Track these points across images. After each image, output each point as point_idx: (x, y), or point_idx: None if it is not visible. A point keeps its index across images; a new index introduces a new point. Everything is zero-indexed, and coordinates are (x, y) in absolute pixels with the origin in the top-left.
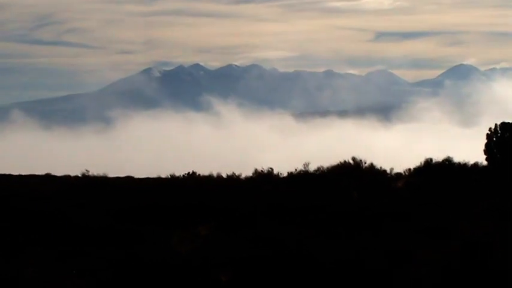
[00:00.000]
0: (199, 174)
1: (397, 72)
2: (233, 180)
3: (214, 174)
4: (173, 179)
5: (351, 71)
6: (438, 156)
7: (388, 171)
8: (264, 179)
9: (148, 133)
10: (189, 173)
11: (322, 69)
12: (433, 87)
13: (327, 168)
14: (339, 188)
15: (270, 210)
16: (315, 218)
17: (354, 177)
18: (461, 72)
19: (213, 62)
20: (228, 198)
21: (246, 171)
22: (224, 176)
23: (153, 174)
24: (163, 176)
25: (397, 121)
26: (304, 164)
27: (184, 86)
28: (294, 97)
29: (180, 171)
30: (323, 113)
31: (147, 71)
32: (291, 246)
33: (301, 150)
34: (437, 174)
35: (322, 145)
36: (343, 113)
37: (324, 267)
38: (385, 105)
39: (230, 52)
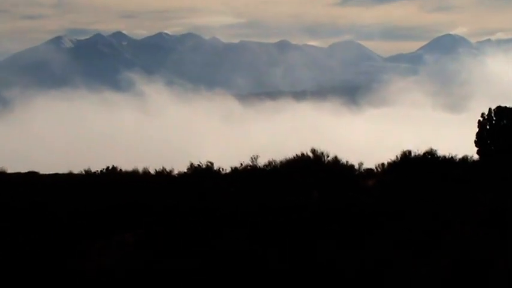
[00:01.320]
0: (121, 170)
1: (368, 44)
2: (163, 177)
3: (140, 169)
4: (88, 175)
5: (311, 42)
6: (418, 149)
7: (356, 166)
8: (202, 176)
9: (56, 118)
10: (108, 168)
11: (275, 40)
12: (412, 63)
13: (280, 162)
14: (294, 187)
15: (208, 213)
16: (265, 224)
17: (313, 174)
18: (447, 45)
19: (139, 30)
20: (158, 199)
21: (179, 166)
22: (152, 171)
23: (62, 169)
24: (75, 171)
25: (367, 105)
26: (251, 158)
27: (102, 59)
28: (239, 74)
29: (96, 166)
30: (275, 94)
31: (55, 41)
32: (237, 256)
33: (247, 140)
34: (416, 170)
35: (274, 134)
36: (300, 95)
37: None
38: (352, 85)
39: (161, 18)
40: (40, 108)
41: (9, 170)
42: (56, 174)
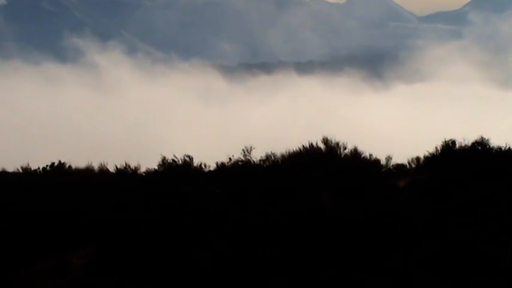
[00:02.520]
0: (70, 167)
1: None
2: (126, 176)
3: (95, 166)
4: (26, 174)
5: None
6: (465, 138)
7: (383, 161)
8: (178, 175)
9: None
10: (52, 164)
11: None
12: (456, 23)
13: (282, 156)
14: (300, 189)
15: (186, 224)
16: (259, 238)
17: (325, 171)
18: (501, 1)
19: None
20: (118, 206)
21: (147, 162)
22: (111, 169)
23: None
24: (9, 169)
25: (396, 80)
26: (243, 150)
27: (44, 20)
28: (224, 39)
29: (37, 161)
30: (272, 66)
31: None
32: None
33: (236, 127)
34: (463, 167)
35: (272, 119)
36: (305, 67)
37: None
38: (376, 53)
39: None
40: None
41: None
42: None
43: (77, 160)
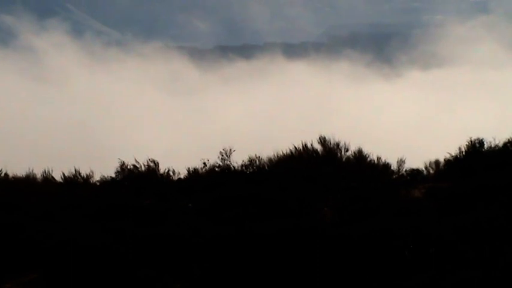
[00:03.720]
0: (6, 175)
1: None
2: (76, 185)
3: (37, 173)
4: None
5: None
6: (495, 136)
7: (394, 165)
8: (139, 183)
9: None
10: None
11: None
12: None
13: (269, 160)
14: (292, 200)
15: (153, 244)
16: (246, 258)
17: (323, 179)
18: None
19: None
20: (64, 224)
21: (102, 168)
22: (57, 177)
23: None
24: None
25: (409, 64)
26: (221, 153)
27: None
28: (195, 15)
29: None
30: (255, 48)
31: None
32: None
33: (211, 124)
34: (493, 172)
35: (255, 114)
36: (296, 49)
37: None
38: (384, 31)
39: None
40: None
41: None
42: None
43: (13, 166)
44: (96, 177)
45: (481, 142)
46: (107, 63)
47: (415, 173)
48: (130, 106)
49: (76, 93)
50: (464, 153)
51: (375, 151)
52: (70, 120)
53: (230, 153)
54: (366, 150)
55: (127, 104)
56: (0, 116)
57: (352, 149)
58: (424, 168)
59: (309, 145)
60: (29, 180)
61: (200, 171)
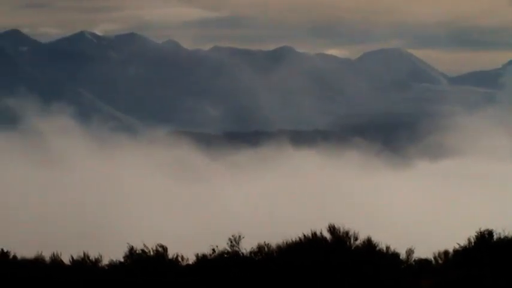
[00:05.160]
0: (14, 257)
1: (424, 55)
2: (85, 269)
3: (46, 257)
4: None
5: (330, 51)
6: (504, 228)
7: (403, 255)
8: (149, 269)
9: None
10: None
11: (270, 46)
12: (491, 85)
13: (278, 247)
14: (301, 287)
15: None
16: None
17: (332, 267)
18: None
19: (49, 28)
20: None
21: (111, 252)
22: (66, 261)
23: None
24: None
25: (419, 155)
26: (230, 240)
27: None
28: (208, 102)
29: None
30: (264, 135)
31: None
32: None
33: (219, 211)
34: (502, 263)
35: (264, 202)
36: (304, 137)
37: None
38: (394, 121)
39: (86, 9)
40: None
41: None
42: None
43: (22, 249)
44: (105, 261)
45: (490, 233)
46: (114, 149)
47: (423, 263)
48: (137, 192)
49: (80, 179)
50: (473, 244)
51: (384, 240)
52: (74, 206)
53: (239, 240)
54: (375, 239)
55: (133, 190)
56: (3, 198)
57: (362, 237)
58: (433, 259)
59: (318, 233)
60: (37, 263)
61: (209, 257)
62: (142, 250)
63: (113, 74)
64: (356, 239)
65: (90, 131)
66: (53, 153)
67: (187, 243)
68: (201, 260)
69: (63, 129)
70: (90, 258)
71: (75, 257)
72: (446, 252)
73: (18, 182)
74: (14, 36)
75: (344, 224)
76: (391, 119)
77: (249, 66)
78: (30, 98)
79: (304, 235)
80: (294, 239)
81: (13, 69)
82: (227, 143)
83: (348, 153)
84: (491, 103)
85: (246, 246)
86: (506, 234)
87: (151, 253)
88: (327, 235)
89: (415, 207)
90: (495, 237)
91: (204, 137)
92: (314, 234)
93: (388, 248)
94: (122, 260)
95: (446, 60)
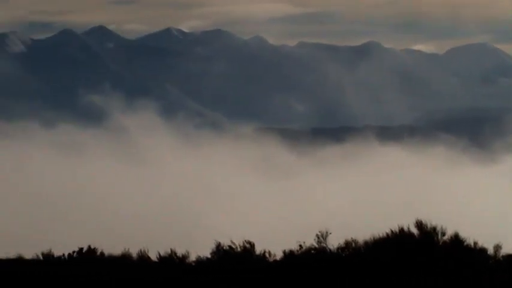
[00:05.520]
0: (102, 254)
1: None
2: (172, 265)
3: (133, 253)
4: (49, 261)
5: (417, 46)
6: None
7: (491, 251)
8: (235, 264)
9: None
10: (81, 249)
11: (356, 42)
12: None
13: (364, 243)
14: (387, 283)
15: None
16: None
17: (419, 262)
18: None
19: (135, 25)
20: None
21: (198, 248)
22: (153, 257)
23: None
24: (27, 255)
25: (505, 150)
26: (317, 236)
27: (72, 70)
28: (294, 98)
29: (61, 247)
30: (351, 130)
31: None
32: None
33: (305, 206)
34: None
35: (350, 197)
36: (391, 133)
37: None
38: (482, 116)
39: (172, 4)
40: None
41: None
42: None
43: (107, 245)
44: (192, 258)
45: None
46: (200, 145)
47: (511, 258)
48: (223, 188)
49: (167, 175)
50: None
51: (471, 236)
52: (161, 202)
53: (326, 236)
54: (462, 234)
55: (219, 186)
56: (91, 194)
57: (449, 233)
58: None
59: (405, 229)
60: (124, 259)
61: (296, 253)
62: (230, 246)
63: (199, 70)
64: (443, 234)
65: (176, 128)
66: (138, 150)
67: (274, 240)
68: (288, 256)
69: (149, 126)
70: (177, 254)
71: (162, 254)
72: None
73: (105, 178)
74: (100, 32)
75: (431, 219)
76: (477, 114)
77: (335, 61)
78: (115, 94)
79: (392, 231)
80: (381, 235)
81: (99, 66)
82: (313, 138)
83: (435, 149)
84: None
85: (333, 242)
86: None
87: (239, 249)
88: (414, 231)
89: (502, 204)
90: None
91: (290, 133)
92: (401, 230)
93: (475, 243)
94: (209, 256)
95: None
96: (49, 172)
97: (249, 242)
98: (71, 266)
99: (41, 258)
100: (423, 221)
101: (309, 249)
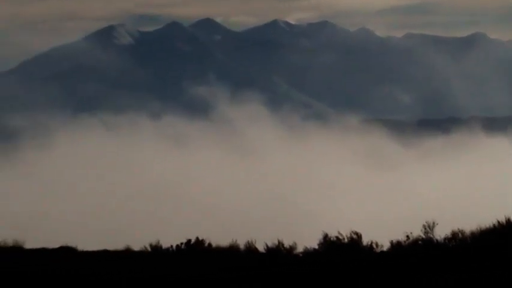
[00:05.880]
0: (209, 245)
1: None
2: (280, 256)
3: (241, 244)
4: (156, 253)
5: None
6: None
7: None
8: (343, 256)
9: (89, 162)
10: (189, 241)
11: (463, 33)
12: None
13: (471, 233)
14: (495, 276)
15: None
16: None
17: None
18: None
19: (242, 17)
20: None
21: (304, 239)
22: (260, 248)
23: (114, 242)
24: (134, 246)
25: None
26: (424, 226)
27: (179, 62)
28: (402, 89)
29: (168, 239)
30: (456, 121)
31: (104, 33)
32: None
33: (410, 197)
34: None
35: (456, 188)
36: (498, 123)
37: None
38: None
39: None
40: (65, 147)
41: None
42: (106, 251)
43: (213, 236)
44: (299, 249)
45: None
46: (306, 137)
47: None
48: (330, 180)
49: (273, 167)
50: None
51: None
52: (268, 193)
53: (433, 226)
54: None
55: (326, 178)
56: (198, 185)
57: None
58: None
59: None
60: (232, 251)
61: (403, 243)
62: (337, 237)
63: (305, 62)
64: None
65: (281, 119)
66: (244, 141)
67: (381, 230)
68: (396, 246)
69: (254, 118)
70: (284, 245)
71: (269, 245)
72: None
73: (212, 170)
74: (208, 25)
75: None
76: None
77: (441, 52)
78: (221, 86)
79: (498, 221)
80: (487, 225)
81: (206, 58)
82: (419, 130)
83: None
84: None
85: (440, 233)
86: None
87: (346, 240)
88: None
89: None
90: None
91: (396, 124)
92: (508, 220)
93: None
94: (317, 247)
95: None
96: (157, 164)
97: (356, 233)
98: (179, 257)
99: (149, 249)
100: None
101: (416, 240)
